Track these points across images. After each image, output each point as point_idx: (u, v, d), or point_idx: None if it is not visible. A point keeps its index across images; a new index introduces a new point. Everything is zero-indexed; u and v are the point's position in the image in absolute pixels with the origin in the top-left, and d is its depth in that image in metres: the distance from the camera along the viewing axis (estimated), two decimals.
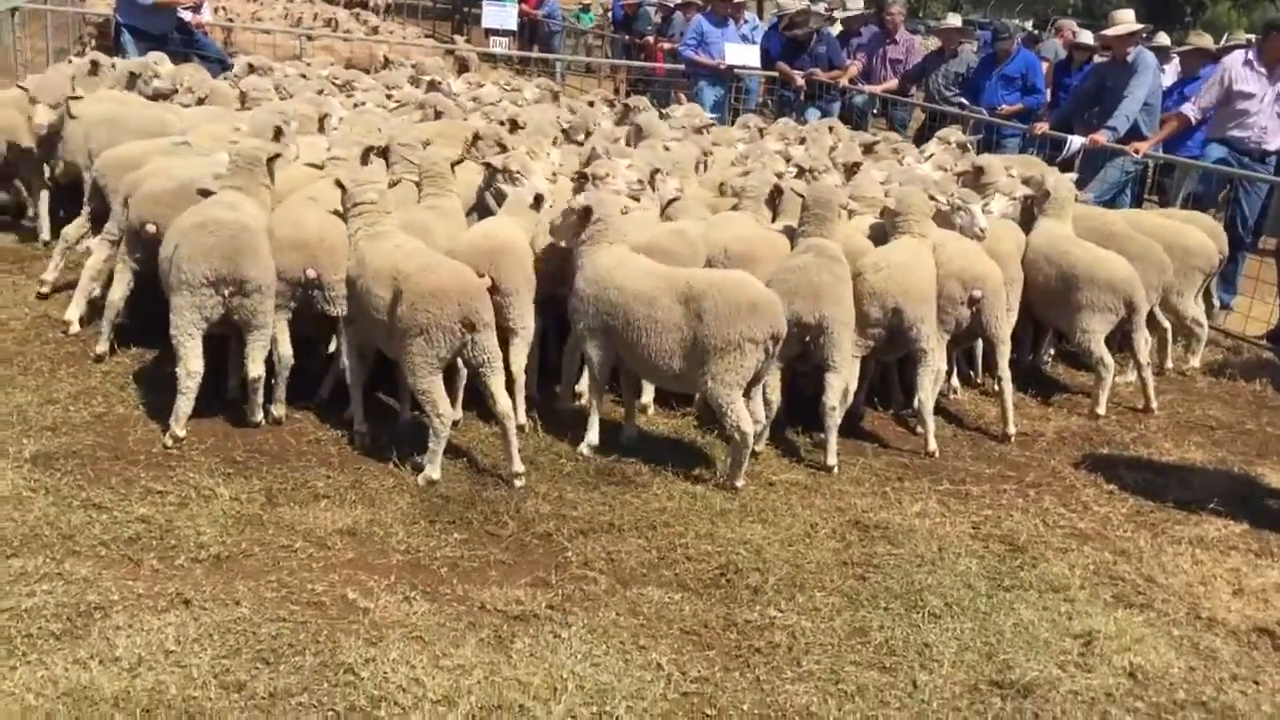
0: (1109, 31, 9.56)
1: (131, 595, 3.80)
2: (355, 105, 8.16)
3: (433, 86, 9.35)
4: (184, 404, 4.94)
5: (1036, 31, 16.96)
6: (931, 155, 8.12)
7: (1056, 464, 5.77)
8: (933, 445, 5.71)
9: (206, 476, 4.67)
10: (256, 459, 4.91)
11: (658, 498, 4.92)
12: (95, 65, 8.07)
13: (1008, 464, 5.73)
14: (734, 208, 6.44)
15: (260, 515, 4.44)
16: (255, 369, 5.07)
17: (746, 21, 13.91)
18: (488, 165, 6.15)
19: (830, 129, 9.14)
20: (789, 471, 5.33)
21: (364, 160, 6.08)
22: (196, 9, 10.88)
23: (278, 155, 5.64)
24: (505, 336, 5.24)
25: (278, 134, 6.13)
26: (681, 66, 13.04)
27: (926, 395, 5.69)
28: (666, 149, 7.38)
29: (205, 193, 5.33)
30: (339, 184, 5.26)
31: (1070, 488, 5.50)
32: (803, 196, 5.81)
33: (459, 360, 4.99)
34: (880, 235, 6.12)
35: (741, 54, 12.57)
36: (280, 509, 4.51)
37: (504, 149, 6.48)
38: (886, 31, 12.56)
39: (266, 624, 3.73)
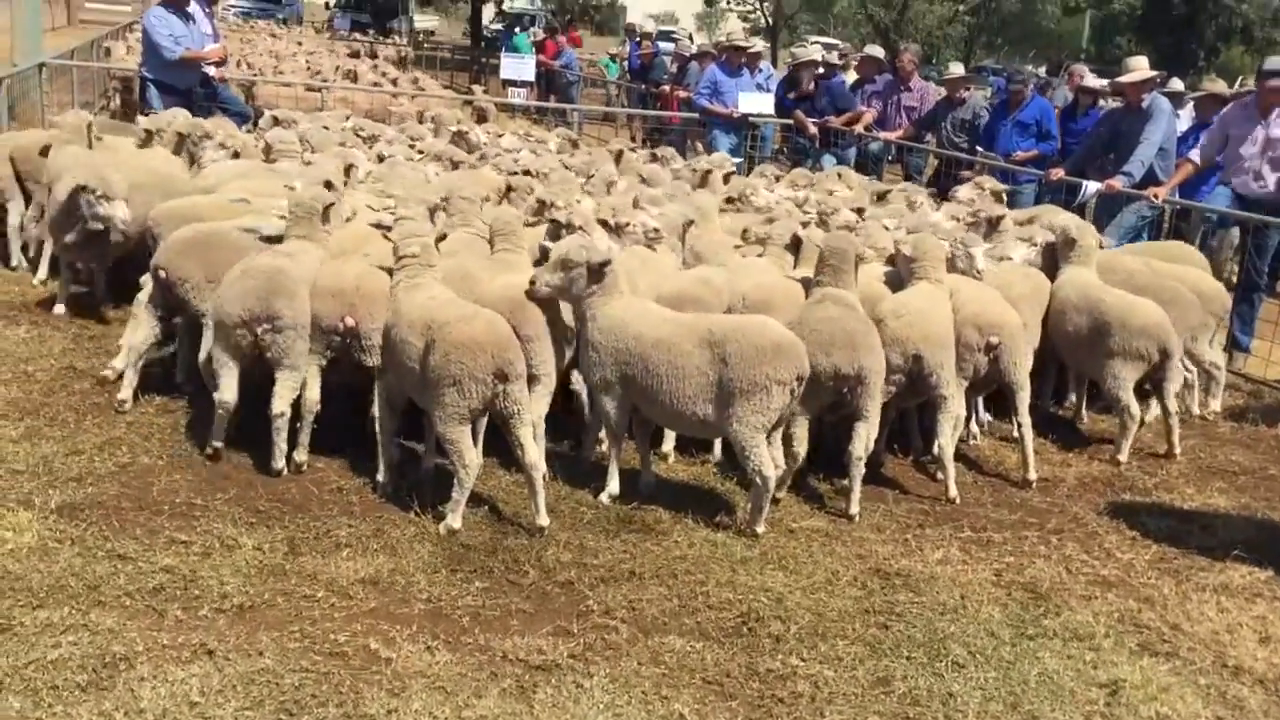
0: (1123, 78, 9.62)
1: (156, 646, 3.81)
2: (380, 157, 8.26)
3: (460, 136, 9.50)
4: (216, 429, 5.27)
5: (1049, 78, 17.05)
6: (960, 201, 8.15)
7: (1079, 510, 5.75)
8: (953, 492, 5.70)
9: (230, 526, 4.70)
10: (279, 508, 4.94)
11: (679, 545, 4.92)
12: (149, 136, 8.13)
13: (1029, 510, 5.71)
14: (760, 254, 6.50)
15: (283, 565, 4.46)
16: (279, 405, 5.18)
17: (761, 70, 14.08)
18: (554, 221, 6.22)
19: (839, 175, 9.23)
20: (810, 519, 5.33)
21: (431, 218, 6.16)
22: (220, 63, 11.05)
23: (332, 204, 5.82)
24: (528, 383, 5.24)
25: (329, 185, 6.31)
26: (697, 115, 13.16)
27: (946, 441, 5.69)
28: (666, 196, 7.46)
29: (271, 239, 5.61)
30: (386, 237, 5.33)
31: (1093, 534, 5.47)
32: (819, 246, 5.85)
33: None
34: (894, 281, 6.16)
35: (755, 102, 12.70)
36: (303, 558, 4.53)
37: (541, 201, 6.58)
38: (900, 78, 12.67)
39: (290, 675, 3.74)
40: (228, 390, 5.23)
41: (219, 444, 5.31)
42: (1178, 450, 6.53)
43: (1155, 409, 6.72)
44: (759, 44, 16.66)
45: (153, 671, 3.67)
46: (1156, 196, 8.90)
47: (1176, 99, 11.68)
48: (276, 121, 9.00)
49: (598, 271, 5.21)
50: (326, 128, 8.96)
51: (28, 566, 4.23)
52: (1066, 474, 6.23)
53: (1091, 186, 9.27)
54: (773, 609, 4.45)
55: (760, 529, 5.06)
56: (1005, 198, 8.75)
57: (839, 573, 4.81)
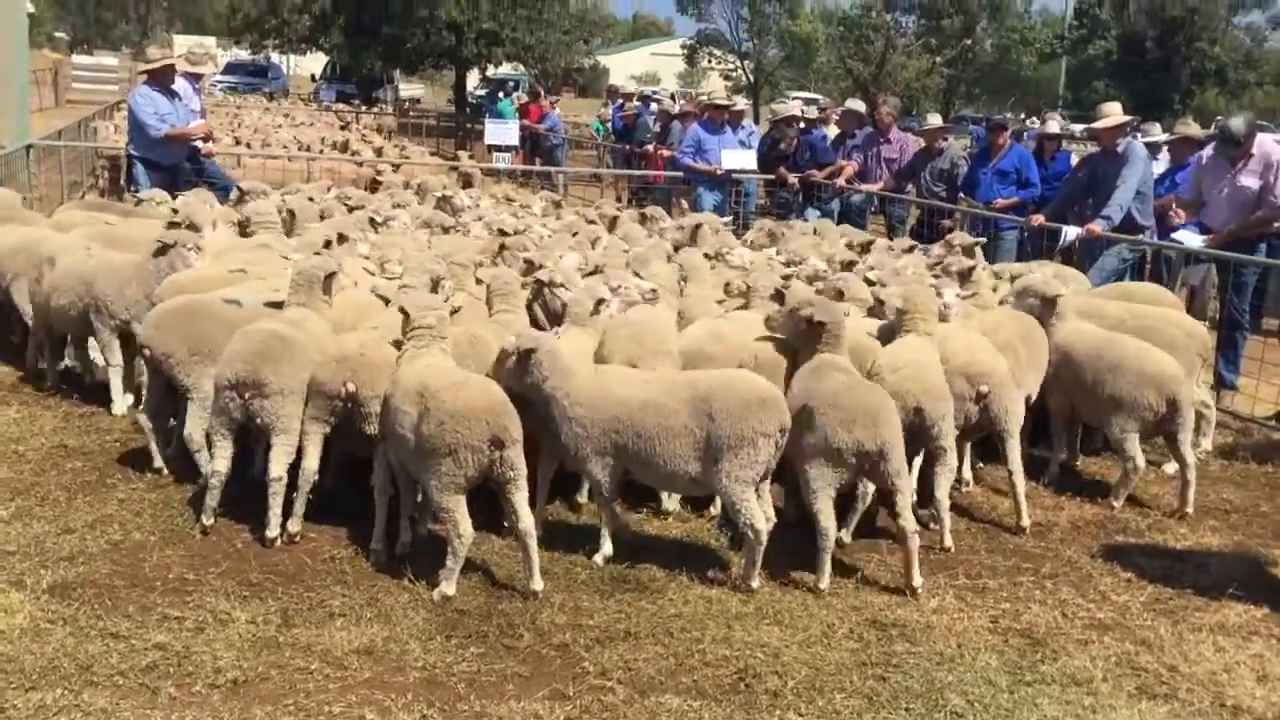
0: (1097, 124, 9.77)
1: None
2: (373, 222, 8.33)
3: (445, 201, 9.62)
4: (210, 498, 5.30)
5: (1025, 125, 17.32)
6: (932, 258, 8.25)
7: (1072, 554, 5.75)
8: (948, 541, 5.69)
9: (223, 600, 4.69)
10: (272, 580, 4.93)
11: (673, 603, 4.92)
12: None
13: (1023, 555, 5.72)
14: (741, 307, 6.56)
15: (277, 637, 4.44)
16: (275, 469, 5.21)
17: (744, 127, 14.28)
18: (537, 280, 6.28)
19: (814, 230, 9.39)
20: (803, 572, 5.32)
21: (434, 287, 6.20)
22: (207, 139, 11.17)
23: (334, 272, 5.90)
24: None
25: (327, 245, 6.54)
26: (681, 174, 13.30)
27: (943, 494, 5.65)
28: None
29: (275, 305, 5.79)
30: (402, 310, 5.29)
31: (1087, 577, 5.48)
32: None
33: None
34: (884, 334, 6.22)
35: (738, 159, 12.85)
36: (296, 630, 4.51)
37: (529, 262, 6.69)
38: (879, 131, 12.85)
39: None
40: (220, 460, 5.28)
41: (209, 521, 5.32)
42: (1190, 508, 6.34)
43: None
44: (741, 102, 16.88)
45: None
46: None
47: (1156, 149, 11.85)
48: (243, 195, 9.06)
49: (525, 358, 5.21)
50: (311, 199, 9.03)
51: (20, 648, 4.21)
52: (1059, 518, 6.24)
53: (1071, 232, 9.38)
54: (769, 664, 4.44)
55: (754, 584, 5.05)
56: (979, 251, 8.80)
57: (835, 625, 4.80)
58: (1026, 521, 5.99)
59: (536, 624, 4.67)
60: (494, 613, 4.74)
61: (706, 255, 7.89)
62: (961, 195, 11.42)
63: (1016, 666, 4.54)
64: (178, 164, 10.67)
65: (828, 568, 5.14)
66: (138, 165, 10.59)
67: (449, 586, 4.82)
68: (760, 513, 5.01)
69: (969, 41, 47.77)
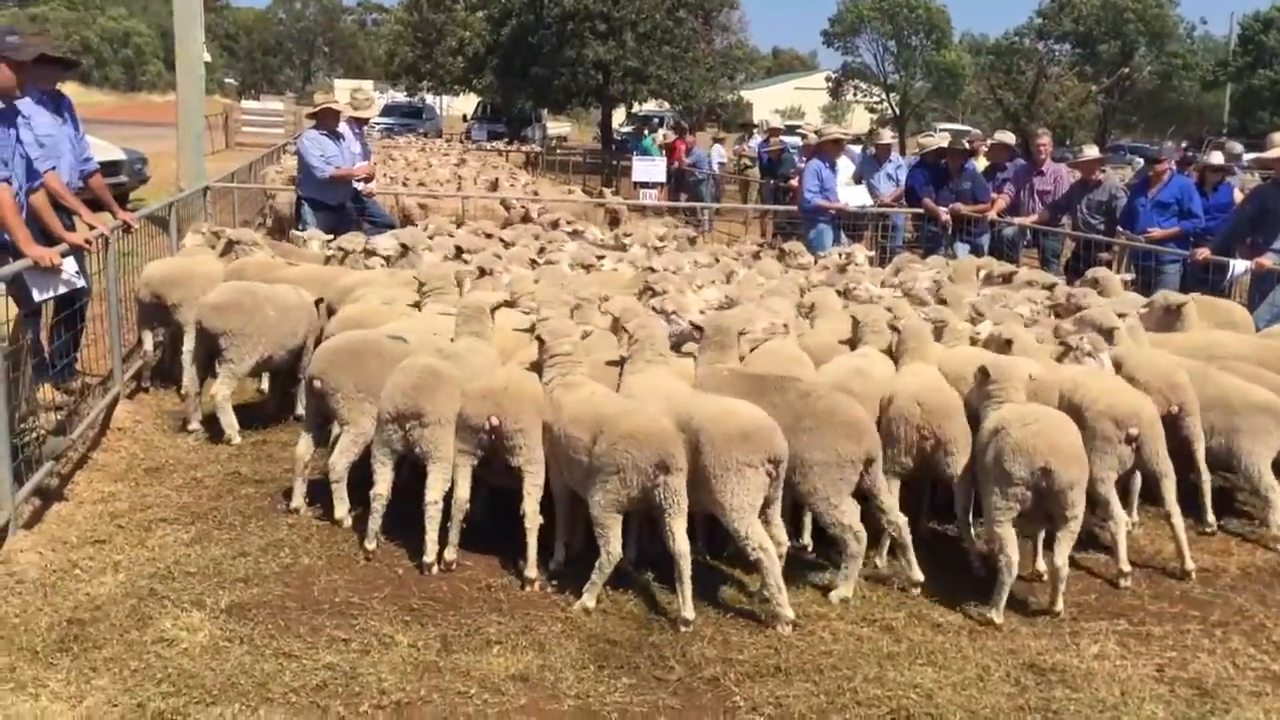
0: (1267, 154, 9.40)
1: None
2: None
3: (577, 235, 9.99)
4: (374, 521, 5.59)
5: (1191, 154, 16.68)
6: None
7: (1243, 601, 5.51)
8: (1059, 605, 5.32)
9: (386, 624, 4.87)
10: (432, 606, 5.09)
11: (824, 640, 4.90)
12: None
13: (1190, 602, 5.51)
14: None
15: (437, 662, 4.59)
16: (433, 494, 5.47)
17: (891, 160, 14.16)
18: (654, 309, 6.44)
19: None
20: (956, 613, 5.23)
21: (572, 315, 6.46)
22: (368, 179, 11.67)
23: (498, 306, 6.30)
24: None
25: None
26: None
27: (1064, 561, 5.30)
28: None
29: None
30: (539, 338, 5.62)
31: (1260, 627, 5.24)
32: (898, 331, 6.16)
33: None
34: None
35: (854, 195, 12.71)
36: (455, 655, 4.65)
37: (649, 288, 6.90)
38: (1034, 163, 12.58)
39: None
40: (382, 484, 5.59)
41: (371, 545, 5.58)
42: None
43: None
44: (887, 135, 16.71)
45: None
46: None
47: None
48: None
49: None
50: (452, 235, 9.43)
51: (200, 665, 4.46)
52: (1229, 563, 5.99)
53: (1240, 265, 9.03)
54: (923, 706, 4.38)
55: (786, 612, 4.98)
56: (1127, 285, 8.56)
57: (990, 668, 4.71)
58: (1191, 566, 5.75)
59: (687, 656, 4.71)
60: (645, 644, 4.80)
61: (838, 291, 7.89)
62: (1120, 229, 11.09)
63: (1185, 717, 4.38)
64: (343, 203, 11.17)
65: (1003, 602, 5.17)
66: (305, 205, 11.13)
67: (590, 599, 5.02)
68: (766, 536, 5.02)
69: (1126, 70, 46.31)
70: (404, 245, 8.67)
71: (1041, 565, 5.63)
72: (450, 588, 5.29)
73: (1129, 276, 9.02)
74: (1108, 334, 6.65)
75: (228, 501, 6.21)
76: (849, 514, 5.24)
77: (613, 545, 4.98)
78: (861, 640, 4.90)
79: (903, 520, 5.44)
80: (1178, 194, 10.71)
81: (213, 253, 8.69)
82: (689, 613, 4.94)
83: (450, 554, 5.49)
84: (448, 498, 5.47)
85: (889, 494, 5.48)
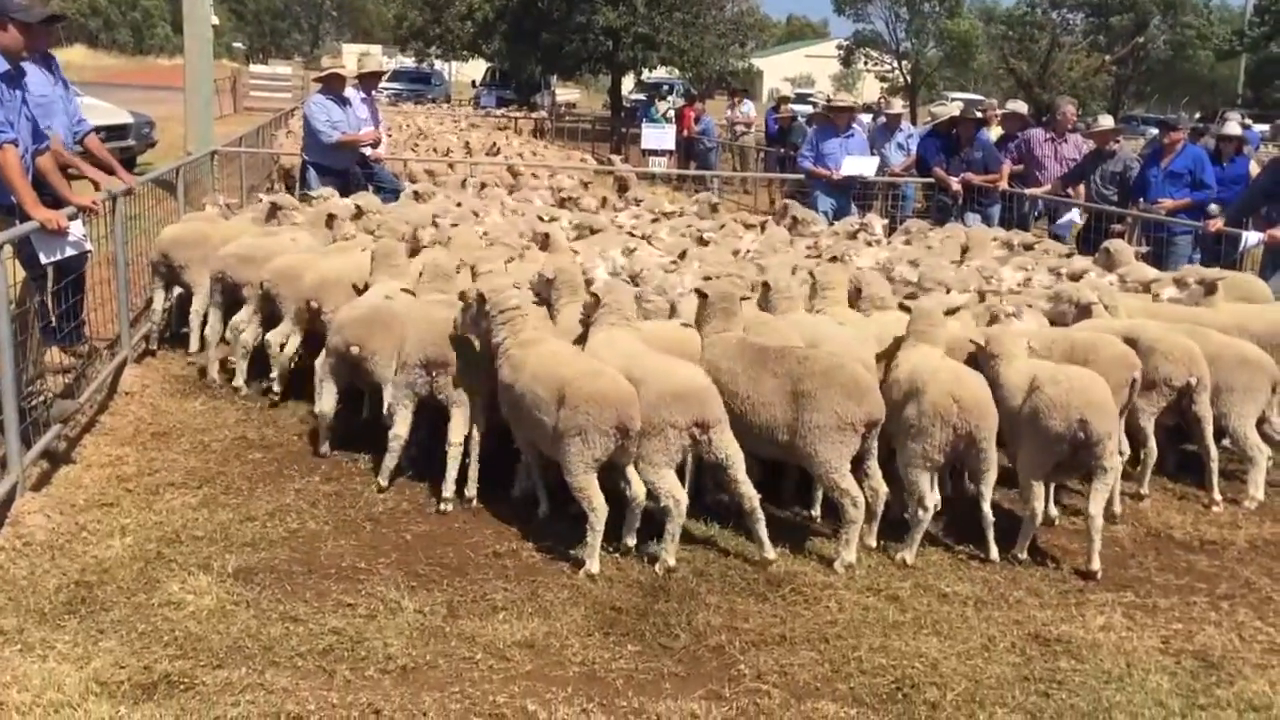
0: None
1: (327, 706, 3.98)
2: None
3: (574, 203, 10.25)
4: (389, 460, 5.89)
5: (1203, 125, 16.51)
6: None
7: (1250, 575, 5.50)
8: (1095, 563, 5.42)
9: (392, 589, 4.88)
10: (438, 572, 5.10)
11: (829, 609, 4.90)
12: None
13: (1196, 574, 5.50)
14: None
15: (443, 627, 4.60)
16: (454, 436, 5.75)
17: (902, 130, 14.05)
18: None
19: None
20: (963, 583, 5.23)
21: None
22: (375, 144, 11.61)
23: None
24: None
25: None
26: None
27: (1098, 510, 5.41)
28: None
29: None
30: (479, 297, 5.70)
31: (1267, 599, 5.23)
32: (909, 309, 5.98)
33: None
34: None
35: (859, 165, 12.57)
36: (461, 621, 4.67)
37: None
38: (1056, 131, 12.45)
39: None
40: (401, 425, 5.85)
41: (385, 481, 5.91)
42: None
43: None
44: (898, 104, 16.58)
45: None
46: None
47: None
48: (417, 195, 9.63)
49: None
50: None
51: (208, 628, 4.47)
52: (1236, 536, 5.97)
53: (1253, 237, 8.96)
54: (928, 675, 4.39)
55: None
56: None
57: (995, 638, 4.71)
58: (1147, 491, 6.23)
59: (692, 625, 4.72)
60: (650, 612, 4.81)
61: (833, 259, 7.81)
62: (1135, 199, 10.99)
63: (1190, 689, 4.38)
64: (348, 169, 11.13)
65: (1028, 541, 5.48)
66: (310, 170, 11.08)
67: (592, 563, 5.10)
68: (680, 486, 5.24)
69: (1141, 39, 45.87)
70: (274, 205, 8.74)
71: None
72: (457, 554, 5.30)
73: (1143, 249, 8.95)
74: (1084, 310, 6.63)
75: (235, 466, 6.21)
76: (849, 479, 5.26)
77: (595, 501, 5.06)
78: (867, 610, 4.90)
79: (884, 490, 5.46)
80: (1190, 164, 10.60)
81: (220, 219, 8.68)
82: (769, 554, 5.24)
83: (471, 490, 5.76)
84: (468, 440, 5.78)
85: (874, 458, 5.44)
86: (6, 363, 5.27)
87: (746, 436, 5.35)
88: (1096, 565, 5.37)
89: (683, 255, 7.79)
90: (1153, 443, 6.32)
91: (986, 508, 5.45)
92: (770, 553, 5.25)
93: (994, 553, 5.45)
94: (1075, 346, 6.04)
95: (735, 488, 5.25)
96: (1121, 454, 5.82)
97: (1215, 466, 6.31)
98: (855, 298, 6.59)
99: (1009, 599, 5.10)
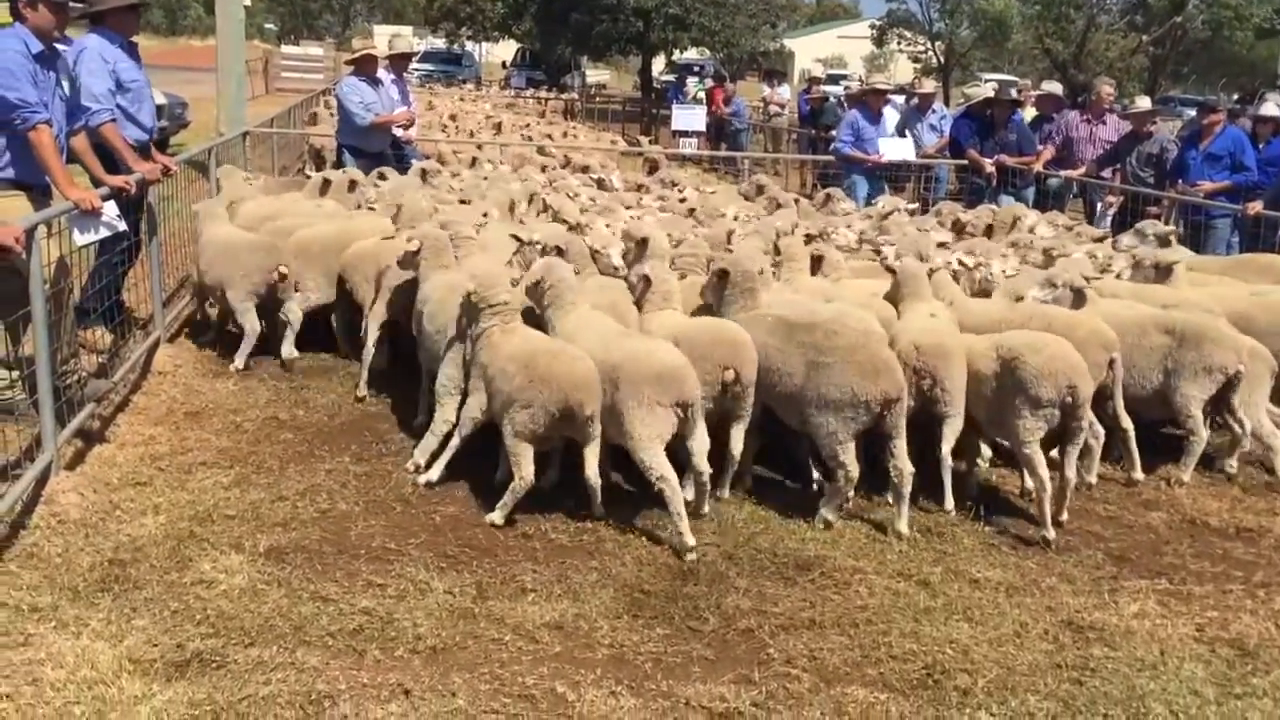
0: None
1: (357, 685, 4.00)
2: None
3: (600, 185, 10.23)
4: (430, 442, 5.90)
5: (1240, 106, 16.23)
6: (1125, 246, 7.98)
7: None
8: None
9: (422, 570, 4.89)
10: (467, 553, 5.11)
11: (859, 594, 4.88)
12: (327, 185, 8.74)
13: (1232, 562, 5.43)
14: None
15: (472, 608, 4.61)
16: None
17: (935, 111, 13.91)
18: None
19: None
20: (994, 569, 5.19)
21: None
22: (409, 125, 11.61)
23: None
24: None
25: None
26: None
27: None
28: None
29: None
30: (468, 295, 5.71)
31: None
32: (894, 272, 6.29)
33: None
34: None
35: (897, 148, 12.48)
36: (490, 602, 4.67)
37: None
38: (1094, 113, 12.29)
39: (482, 716, 3.87)
40: (452, 411, 5.92)
41: (436, 477, 5.81)
42: None
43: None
44: (930, 84, 16.41)
45: (354, 710, 3.85)
46: None
47: None
48: (425, 174, 9.68)
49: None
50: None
51: (239, 606, 4.50)
52: (1273, 524, 5.89)
53: None
54: (958, 661, 4.36)
55: (688, 540, 5.13)
56: (1173, 239, 8.38)
57: (1028, 625, 4.68)
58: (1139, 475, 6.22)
59: (722, 608, 4.71)
60: (679, 595, 4.80)
61: (810, 237, 7.74)
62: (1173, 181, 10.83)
63: (1225, 678, 4.33)
64: (383, 151, 11.13)
65: (1048, 513, 5.52)
66: (345, 153, 11.09)
67: (498, 516, 5.33)
68: (669, 466, 5.22)
69: (1178, 19, 45.17)
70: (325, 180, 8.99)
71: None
72: (486, 536, 5.31)
73: (1172, 230, 8.82)
74: (1078, 294, 6.56)
75: (266, 446, 6.24)
76: (848, 453, 5.39)
77: (525, 470, 5.27)
78: (897, 595, 4.88)
79: (909, 470, 5.45)
80: (1230, 146, 10.44)
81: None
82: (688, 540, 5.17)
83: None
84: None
85: (902, 439, 5.47)
86: (41, 342, 5.31)
87: (776, 406, 5.69)
88: (1064, 517, 5.66)
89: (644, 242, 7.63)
90: (1202, 430, 6.27)
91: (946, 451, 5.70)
92: (704, 509, 5.45)
93: (949, 503, 5.70)
94: (1053, 326, 6.03)
95: (692, 460, 5.36)
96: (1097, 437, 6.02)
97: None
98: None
99: (1041, 585, 5.05)
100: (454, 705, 3.91)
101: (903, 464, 5.45)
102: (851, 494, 5.55)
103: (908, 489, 5.46)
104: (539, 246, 6.59)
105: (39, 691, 3.85)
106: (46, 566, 4.74)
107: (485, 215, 7.63)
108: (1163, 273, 7.19)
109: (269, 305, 7.50)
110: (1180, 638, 4.64)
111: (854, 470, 5.40)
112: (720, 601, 4.76)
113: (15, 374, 5.87)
